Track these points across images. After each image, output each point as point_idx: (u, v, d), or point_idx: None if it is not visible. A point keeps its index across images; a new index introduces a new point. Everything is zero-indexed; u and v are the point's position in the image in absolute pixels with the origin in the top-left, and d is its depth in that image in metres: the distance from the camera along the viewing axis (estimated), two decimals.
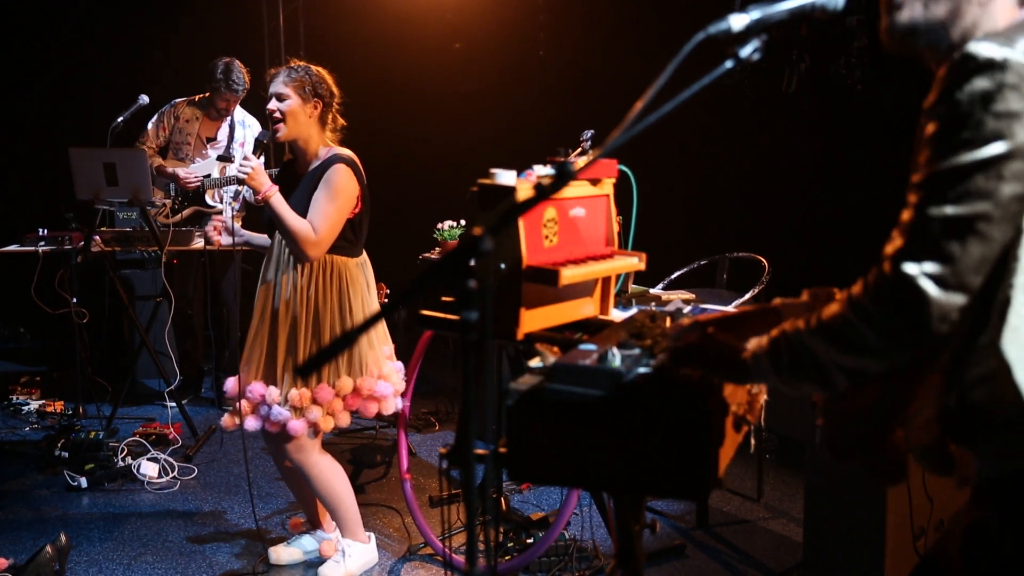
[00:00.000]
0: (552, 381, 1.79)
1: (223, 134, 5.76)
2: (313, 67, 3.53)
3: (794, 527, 4.16)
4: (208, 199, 5.68)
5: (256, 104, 6.04)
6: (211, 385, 6.20)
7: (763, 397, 2.18)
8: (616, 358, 1.81)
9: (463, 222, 4.82)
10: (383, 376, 3.58)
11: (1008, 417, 1.50)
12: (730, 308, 3.79)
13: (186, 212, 5.63)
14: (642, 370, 1.81)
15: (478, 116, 6.89)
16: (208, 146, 5.75)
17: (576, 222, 2.26)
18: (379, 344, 3.63)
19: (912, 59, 1.68)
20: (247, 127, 5.81)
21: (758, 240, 4.87)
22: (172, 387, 5.32)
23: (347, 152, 3.51)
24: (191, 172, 5.59)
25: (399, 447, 4.14)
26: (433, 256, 4.89)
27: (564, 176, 1.41)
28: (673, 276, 4.52)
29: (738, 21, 1.52)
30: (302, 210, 3.40)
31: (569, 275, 2.09)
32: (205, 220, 5.71)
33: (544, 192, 1.41)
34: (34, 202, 7.15)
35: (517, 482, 4.23)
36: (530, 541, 3.82)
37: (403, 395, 3.85)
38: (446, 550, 3.87)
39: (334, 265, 3.49)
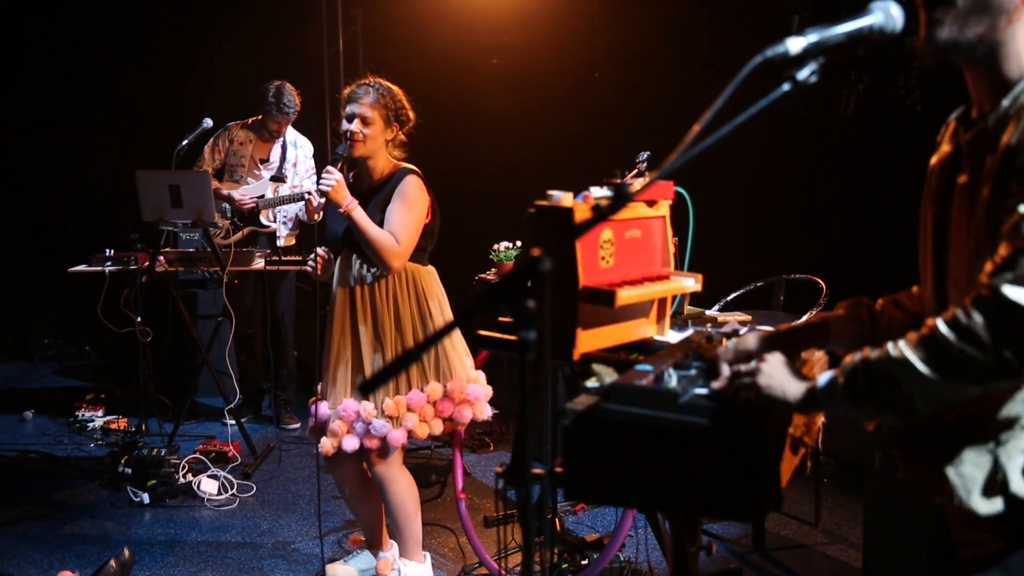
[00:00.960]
0: (609, 401, 1.80)
1: (275, 155, 5.89)
2: (395, 88, 3.56)
3: (853, 552, 4.10)
4: (262, 219, 5.79)
5: (307, 124, 6.16)
6: (270, 403, 6.29)
7: (820, 419, 2.17)
8: (672, 379, 1.82)
9: (519, 243, 4.84)
10: (472, 379, 3.61)
11: None
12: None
13: (242, 232, 5.74)
14: (698, 391, 1.81)
15: (533, 137, 6.92)
16: (261, 167, 5.88)
17: (632, 243, 2.27)
18: (464, 349, 3.65)
19: (948, 65, 1.71)
20: (299, 147, 5.94)
21: (816, 261, 4.83)
22: (232, 405, 5.40)
23: (413, 167, 3.57)
24: (245, 194, 5.71)
25: (454, 467, 4.16)
26: (489, 277, 4.92)
27: (621, 198, 1.42)
28: (729, 297, 4.49)
29: (795, 44, 1.52)
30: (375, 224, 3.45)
31: (625, 296, 2.10)
32: (261, 239, 5.82)
33: (601, 214, 1.43)
34: (100, 224, 7.34)
35: (572, 502, 4.24)
36: (585, 563, 3.81)
37: None
38: (501, 571, 3.89)
39: (410, 274, 3.54)
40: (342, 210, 3.40)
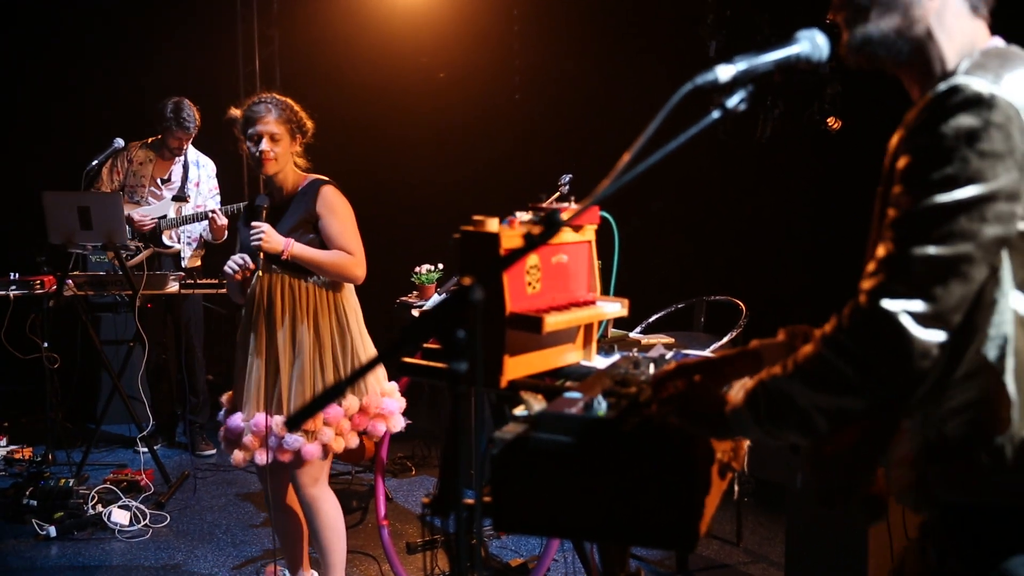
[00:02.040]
0: (538, 430, 1.77)
1: (177, 175, 5.77)
2: (290, 101, 3.53)
3: (774, 572, 4.14)
4: (165, 239, 5.65)
5: (221, 145, 6.04)
6: (184, 430, 6.12)
7: (746, 443, 2.18)
8: (602, 406, 1.80)
9: (440, 266, 4.81)
10: (385, 393, 3.59)
11: (985, 448, 1.52)
12: (708, 353, 3.80)
13: (144, 254, 5.60)
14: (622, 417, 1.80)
15: (453, 159, 6.91)
16: (162, 187, 5.74)
17: (559, 268, 2.26)
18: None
19: (879, 72, 1.71)
20: (201, 167, 5.83)
21: (735, 283, 4.89)
22: (145, 432, 5.24)
23: (323, 176, 3.55)
24: (145, 215, 5.57)
25: (376, 492, 4.10)
26: (411, 299, 4.87)
27: (553, 225, 1.41)
28: (651, 319, 4.52)
29: (725, 72, 1.53)
30: (295, 234, 3.40)
31: (553, 322, 2.08)
32: (165, 261, 5.69)
33: (534, 242, 1.41)
34: (3, 246, 7.07)
35: (500, 531, 4.19)
36: None
37: (381, 440, 3.83)
38: None
39: (329, 288, 3.49)
40: (284, 256, 3.35)
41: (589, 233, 2.35)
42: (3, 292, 5.10)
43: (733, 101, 1.54)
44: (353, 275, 3.45)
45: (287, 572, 3.87)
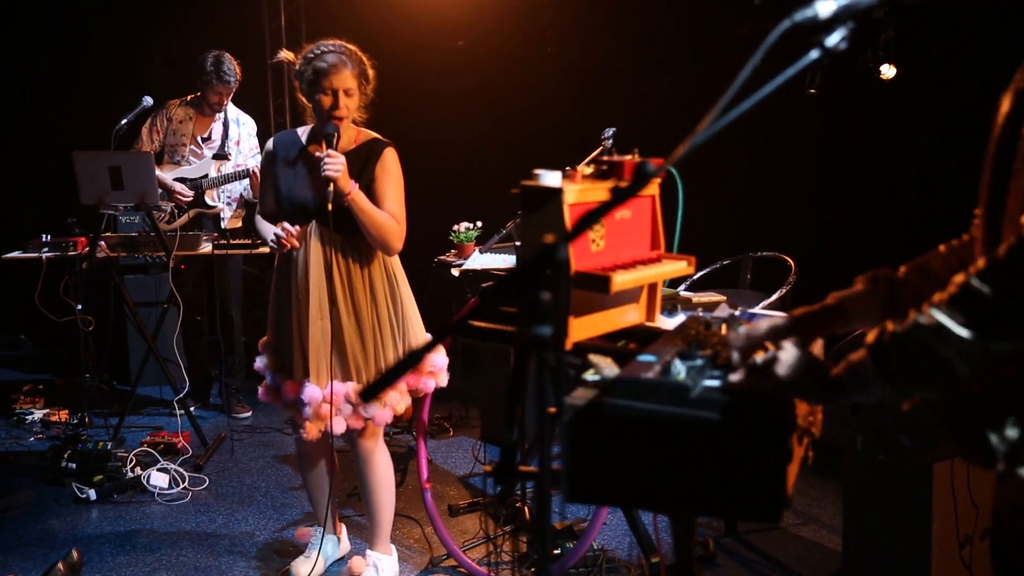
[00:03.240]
0: (613, 396, 1.67)
1: (217, 133, 5.65)
2: (357, 49, 3.35)
3: (826, 533, 4.06)
4: (207, 199, 5.56)
5: (249, 103, 5.93)
6: (219, 391, 6.07)
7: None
8: (681, 370, 1.70)
9: (479, 224, 4.69)
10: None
11: None
12: (762, 310, 3.69)
13: (186, 217, 5.51)
14: (709, 383, 1.69)
15: (487, 115, 6.75)
16: (203, 146, 5.64)
17: (622, 225, 2.15)
18: (419, 318, 3.54)
19: (934, 16, 1.58)
20: (241, 125, 5.71)
21: (782, 239, 4.76)
22: (182, 395, 5.19)
23: (386, 140, 3.42)
24: (184, 190, 5.44)
25: (419, 455, 4.02)
26: (449, 258, 4.76)
27: (644, 176, 1.29)
28: (695, 276, 4.40)
29: (825, 8, 1.40)
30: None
31: (621, 281, 1.98)
32: (207, 222, 5.59)
33: (623, 194, 1.30)
34: (36, 207, 7.02)
35: (573, 502, 4.11)
36: (557, 552, 3.70)
37: (422, 401, 3.77)
38: (470, 562, 3.77)
39: (379, 253, 3.40)
40: (347, 197, 3.19)
41: (653, 188, 2.24)
42: (36, 254, 5.04)
43: (833, 39, 1.41)
44: (393, 243, 3.32)
45: (320, 530, 3.80)
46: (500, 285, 1.26)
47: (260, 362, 3.58)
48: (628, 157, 2.16)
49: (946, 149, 4.62)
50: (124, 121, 5.03)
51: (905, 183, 5.03)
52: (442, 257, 4.80)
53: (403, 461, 5.02)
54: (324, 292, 3.34)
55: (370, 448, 3.51)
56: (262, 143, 5.76)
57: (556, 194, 1.96)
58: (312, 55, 3.28)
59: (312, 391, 3.35)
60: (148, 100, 5.14)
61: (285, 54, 3.45)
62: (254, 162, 5.65)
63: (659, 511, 2.75)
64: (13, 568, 3.87)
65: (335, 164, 3.14)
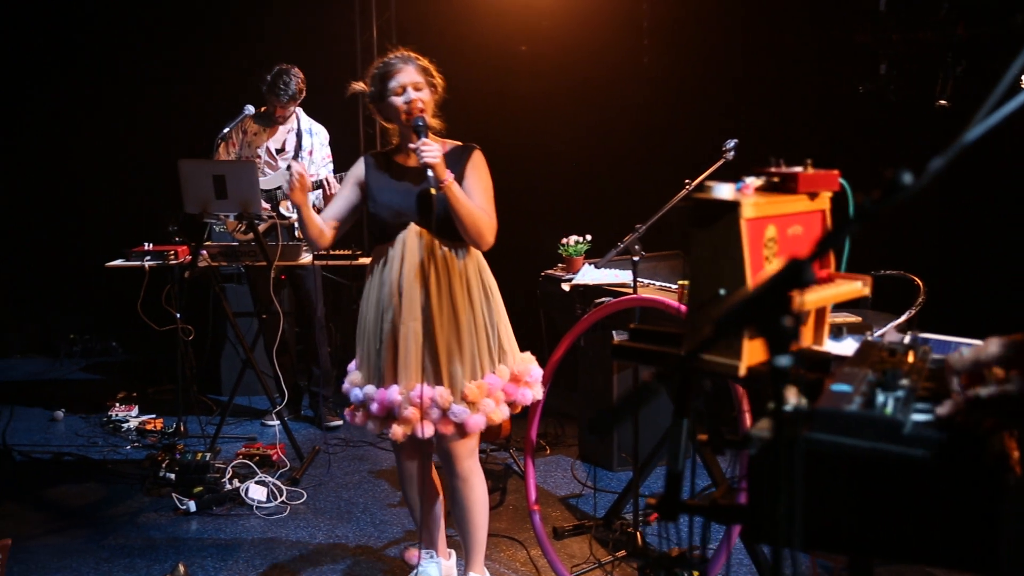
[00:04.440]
0: (811, 429, 1.53)
1: (290, 143, 5.62)
2: (417, 55, 3.34)
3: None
4: (283, 210, 5.52)
5: (340, 116, 5.89)
6: (309, 402, 6.03)
7: None
8: (888, 403, 1.55)
9: (588, 237, 4.56)
10: (527, 360, 3.46)
11: None
12: (895, 331, 3.49)
13: (262, 227, 5.47)
14: (919, 418, 1.54)
15: (591, 126, 6.60)
16: (277, 157, 5.61)
17: (794, 241, 2.00)
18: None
19: None
20: (314, 135, 5.67)
21: (904, 258, 4.53)
22: (280, 406, 5.14)
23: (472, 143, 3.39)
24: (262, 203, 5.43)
25: (526, 475, 3.90)
26: (557, 273, 4.63)
27: (896, 189, 1.15)
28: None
29: None
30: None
31: (805, 302, 1.83)
32: (282, 231, 5.55)
33: (870, 211, 1.16)
34: (136, 216, 7.10)
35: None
36: None
37: (529, 417, 3.66)
38: None
39: (473, 253, 3.33)
40: (444, 184, 3.13)
41: (824, 201, 2.08)
42: (138, 263, 5.04)
43: None
44: (486, 236, 3.25)
45: (433, 553, 3.72)
46: (736, 309, 1.13)
47: (347, 382, 3.48)
48: (799, 168, 2.01)
49: None
50: (227, 129, 5.02)
51: None
52: (549, 271, 4.67)
53: (501, 480, 4.91)
54: (417, 294, 3.25)
55: (469, 468, 3.39)
56: (350, 155, 5.72)
57: (732, 208, 1.82)
58: (375, 71, 3.32)
59: (392, 393, 3.27)
60: (250, 108, 5.12)
61: (357, 85, 3.43)
62: (326, 171, 5.61)
63: (850, 554, 2.57)
64: None
65: (431, 151, 3.12)
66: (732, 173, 3.93)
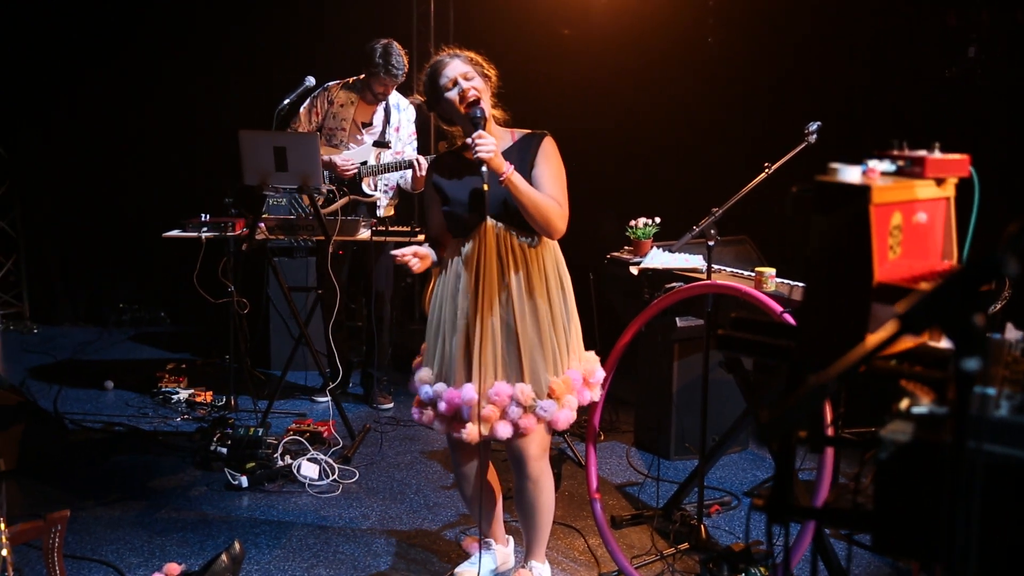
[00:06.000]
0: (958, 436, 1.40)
1: (378, 119, 5.49)
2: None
3: None
4: (364, 187, 5.41)
5: (406, 88, 5.77)
6: (360, 380, 5.96)
7: None
8: None
9: (658, 220, 4.42)
10: (593, 360, 3.37)
11: None
12: None
13: (341, 202, 5.37)
14: None
15: (651, 107, 6.43)
16: (363, 131, 5.49)
17: (918, 230, 1.87)
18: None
19: None
20: (402, 111, 5.52)
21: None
22: (333, 385, 5.08)
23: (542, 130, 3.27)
24: (348, 159, 5.33)
25: (587, 464, 3.80)
26: (623, 256, 4.50)
27: None
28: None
29: None
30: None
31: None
32: (360, 208, 5.44)
33: None
34: (192, 187, 7.06)
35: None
36: None
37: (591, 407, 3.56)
38: None
39: (549, 246, 3.23)
40: (503, 178, 3.03)
41: (950, 188, 1.95)
42: (195, 234, 4.97)
43: None
44: (556, 225, 3.12)
45: (491, 542, 3.64)
46: (923, 304, 1.01)
47: (416, 379, 3.37)
48: (923, 152, 1.88)
49: None
50: (287, 101, 4.92)
51: None
52: (616, 254, 4.54)
53: (555, 465, 4.76)
54: (496, 289, 3.15)
55: (541, 468, 3.29)
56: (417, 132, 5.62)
57: (860, 193, 1.70)
58: (424, 77, 3.26)
59: (469, 391, 3.16)
60: (311, 80, 5.02)
61: (416, 98, 3.37)
62: (411, 149, 5.50)
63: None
64: (170, 552, 3.79)
65: (486, 145, 3.01)
66: (814, 157, 3.81)
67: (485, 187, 3.02)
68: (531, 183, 3.13)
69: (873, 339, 1.22)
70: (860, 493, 1.66)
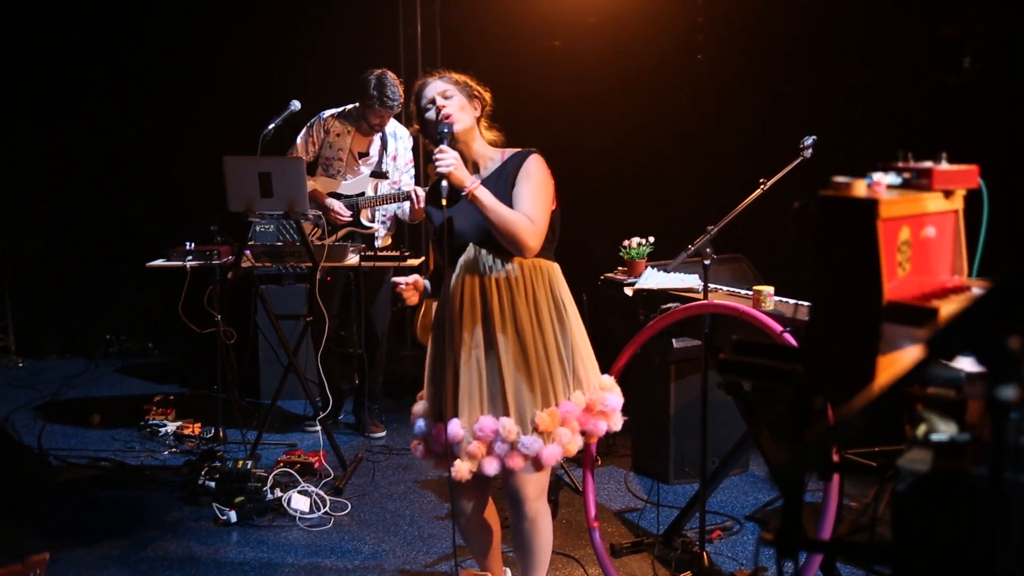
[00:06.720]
0: (984, 465, 1.31)
1: (375, 149, 5.40)
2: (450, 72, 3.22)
3: None
4: (362, 219, 5.32)
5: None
6: (352, 409, 5.85)
7: None
8: None
9: (651, 239, 4.34)
10: (606, 388, 3.18)
11: None
12: None
13: (340, 233, 5.29)
14: None
15: (643, 125, 6.35)
16: (360, 162, 5.39)
17: (926, 245, 1.78)
18: (591, 353, 3.21)
19: None
20: (398, 139, 5.43)
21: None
22: (324, 414, 4.96)
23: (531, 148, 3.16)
24: (342, 211, 5.21)
25: (585, 492, 3.70)
26: (618, 276, 4.41)
27: None
28: None
29: None
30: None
31: (948, 314, 1.60)
32: (357, 239, 5.34)
33: None
34: (176, 216, 6.95)
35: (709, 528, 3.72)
36: None
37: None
38: None
39: (544, 270, 3.09)
40: (466, 191, 2.94)
41: (958, 200, 1.86)
42: (179, 263, 4.87)
43: None
44: (524, 241, 2.98)
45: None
46: (952, 327, 0.92)
47: (413, 412, 3.28)
48: (929, 164, 1.80)
49: None
50: (271, 125, 4.84)
51: None
52: (610, 275, 4.45)
53: (552, 492, 4.66)
54: (478, 317, 3.04)
55: (537, 509, 3.13)
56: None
57: (867, 207, 1.61)
58: (411, 102, 3.24)
59: (454, 427, 3.04)
60: (296, 104, 4.95)
61: (415, 128, 3.27)
62: (408, 177, 5.41)
63: None
64: None
65: (444, 159, 2.95)
66: (810, 172, 3.73)
67: (443, 201, 2.95)
68: (511, 200, 3.04)
69: (898, 368, 1.13)
70: (875, 524, 1.56)
